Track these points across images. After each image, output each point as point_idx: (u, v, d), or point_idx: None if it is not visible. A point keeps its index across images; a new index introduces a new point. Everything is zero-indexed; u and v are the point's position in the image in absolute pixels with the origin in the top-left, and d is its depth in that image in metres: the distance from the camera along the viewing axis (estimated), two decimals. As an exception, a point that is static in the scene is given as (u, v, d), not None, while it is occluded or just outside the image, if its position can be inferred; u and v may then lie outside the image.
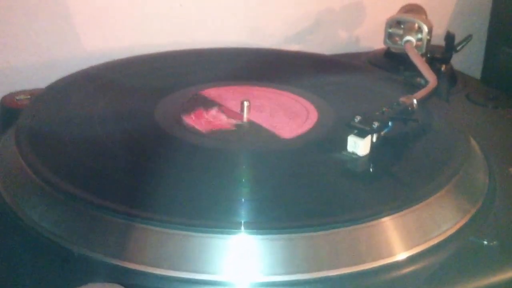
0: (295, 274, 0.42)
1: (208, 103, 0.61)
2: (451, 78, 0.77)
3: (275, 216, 0.45)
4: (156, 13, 0.81)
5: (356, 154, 0.51)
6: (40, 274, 0.42)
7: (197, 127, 0.56)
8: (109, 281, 0.40)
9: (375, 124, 0.51)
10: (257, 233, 0.42)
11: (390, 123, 0.52)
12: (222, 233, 0.42)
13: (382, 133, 0.52)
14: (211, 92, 0.64)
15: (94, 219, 0.44)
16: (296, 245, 0.43)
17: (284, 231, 0.43)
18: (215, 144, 0.54)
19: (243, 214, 0.44)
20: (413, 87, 0.65)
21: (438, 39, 0.78)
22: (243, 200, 0.46)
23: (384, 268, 0.43)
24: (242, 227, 0.42)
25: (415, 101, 0.56)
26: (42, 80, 0.67)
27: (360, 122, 0.51)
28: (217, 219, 0.44)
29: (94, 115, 0.58)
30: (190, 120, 0.57)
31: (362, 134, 0.51)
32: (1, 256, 0.44)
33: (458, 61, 0.78)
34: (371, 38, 0.92)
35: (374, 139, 0.52)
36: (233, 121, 0.58)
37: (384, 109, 0.53)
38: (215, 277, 0.41)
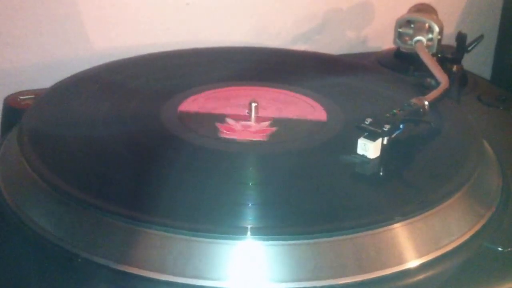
0: (303, 282, 0.41)
1: (211, 117, 0.59)
2: (462, 79, 0.76)
3: (283, 222, 0.44)
4: (162, 12, 0.80)
5: (366, 157, 0.50)
6: (41, 276, 0.42)
7: (253, 138, 0.54)
8: (111, 285, 0.40)
9: (387, 127, 0.50)
10: (263, 239, 0.42)
11: (401, 126, 0.51)
12: (227, 238, 0.42)
13: (393, 135, 0.51)
14: (192, 106, 0.61)
15: (96, 222, 0.43)
16: (304, 252, 0.42)
17: (292, 238, 0.42)
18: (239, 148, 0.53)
19: (249, 218, 0.43)
20: (423, 88, 0.65)
21: (447, 39, 0.77)
22: (250, 204, 0.45)
23: (396, 275, 0.42)
24: (249, 233, 0.42)
25: (426, 102, 0.55)
26: (46, 80, 0.67)
27: (371, 124, 0.50)
28: (222, 224, 0.43)
29: (99, 116, 0.57)
30: (229, 134, 0.55)
31: (373, 136, 0.50)
32: (2, 258, 0.43)
33: (467, 61, 0.78)
34: (380, 38, 0.92)
35: (385, 141, 0.51)
36: (266, 123, 0.57)
37: (395, 110, 0.52)
38: (220, 284, 0.41)
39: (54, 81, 0.64)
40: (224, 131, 0.55)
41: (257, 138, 0.54)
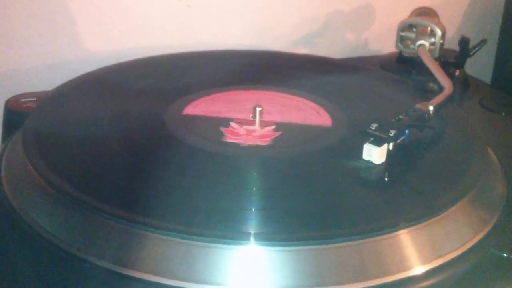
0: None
1: (215, 121, 0.59)
2: (464, 83, 0.75)
3: (286, 228, 0.43)
4: (163, 14, 0.80)
5: (372, 163, 0.50)
6: (42, 277, 0.42)
7: (257, 142, 0.54)
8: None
9: (392, 132, 0.49)
10: (266, 245, 0.41)
11: (407, 131, 0.51)
12: (230, 243, 0.41)
13: (398, 141, 0.51)
14: (195, 110, 0.61)
15: (98, 224, 0.43)
16: (307, 258, 0.41)
17: (295, 243, 0.42)
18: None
19: (252, 224, 0.43)
20: (426, 92, 0.64)
21: (447, 43, 0.77)
22: (253, 209, 0.45)
23: (400, 283, 0.42)
24: (252, 238, 0.41)
25: (431, 107, 0.55)
26: (46, 82, 0.67)
27: (376, 129, 0.50)
28: (225, 228, 0.43)
29: (101, 118, 0.57)
30: (234, 139, 0.55)
31: (378, 142, 0.50)
32: (5, 259, 0.43)
33: (467, 65, 0.77)
34: (381, 42, 0.91)
35: (390, 147, 0.51)
36: (270, 128, 0.56)
37: (400, 116, 0.52)
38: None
39: (56, 84, 0.64)
40: (229, 135, 0.55)
41: (262, 143, 0.54)
